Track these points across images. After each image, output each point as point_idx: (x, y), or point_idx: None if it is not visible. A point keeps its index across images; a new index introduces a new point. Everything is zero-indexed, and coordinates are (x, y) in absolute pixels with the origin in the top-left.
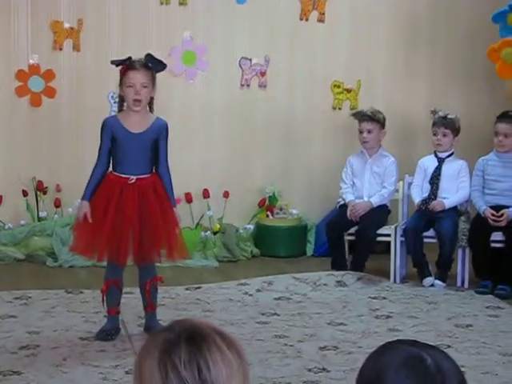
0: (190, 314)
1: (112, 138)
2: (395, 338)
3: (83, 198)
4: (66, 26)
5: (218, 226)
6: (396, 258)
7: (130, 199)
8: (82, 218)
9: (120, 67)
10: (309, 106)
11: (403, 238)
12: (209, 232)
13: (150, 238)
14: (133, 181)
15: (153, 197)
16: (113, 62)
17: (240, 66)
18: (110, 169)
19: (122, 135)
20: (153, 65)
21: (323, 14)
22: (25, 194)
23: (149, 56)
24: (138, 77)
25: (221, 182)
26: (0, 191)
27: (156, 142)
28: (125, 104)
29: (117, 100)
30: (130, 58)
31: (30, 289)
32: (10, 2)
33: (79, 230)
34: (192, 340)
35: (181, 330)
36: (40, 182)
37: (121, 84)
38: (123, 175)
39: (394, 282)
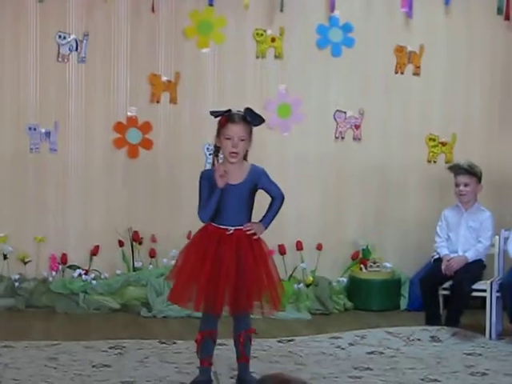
0: (283, 367)
1: (210, 190)
2: None
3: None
4: (164, 79)
5: (311, 278)
6: (492, 314)
7: (227, 250)
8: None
9: (218, 118)
10: (403, 159)
11: (499, 294)
12: (302, 284)
13: (246, 288)
14: (231, 232)
15: (250, 248)
16: (212, 113)
17: (335, 118)
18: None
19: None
20: (251, 119)
21: (418, 67)
22: (121, 244)
23: (248, 110)
24: (236, 130)
25: (314, 235)
26: (97, 241)
27: (254, 190)
28: (220, 155)
29: (212, 150)
30: (229, 111)
31: (124, 338)
32: (111, 55)
33: (176, 280)
34: None
35: (275, 382)
36: (136, 233)
37: (218, 135)
38: (221, 226)
39: (490, 338)
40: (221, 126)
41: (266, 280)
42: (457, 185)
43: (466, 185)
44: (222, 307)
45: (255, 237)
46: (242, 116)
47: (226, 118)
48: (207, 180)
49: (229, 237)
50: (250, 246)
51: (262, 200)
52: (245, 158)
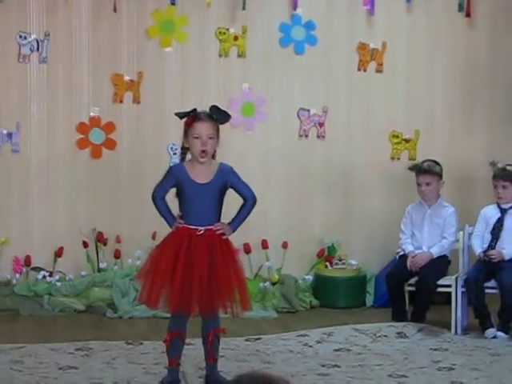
0: (250, 365)
1: (177, 187)
2: None
3: (172, 223)
4: (127, 78)
5: (277, 276)
6: (457, 309)
7: (198, 250)
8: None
9: (184, 119)
10: (367, 156)
11: (464, 289)
12: (268, 283)
13: (217, 289)
14: (201, 232)
15: (220, 247)
16: (177, 114)
17: (298, 116)
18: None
19: (188, 185)
20: (218, 116)
21: (381, 64)
22: (85, 245)
23: (214, 107)
24: (204, 128)
25: (279, 233)
26: (61, 243)
27: (224, 189)
28: (187, 155)
29: (177, 151)
30: (194, 110)
31: (90, 340)
32: (72, 55)
33: (147, 281)
34: None
35: (251, 380)
36: (100, 234)
37: (186, 135)
38: (191, 226)
39: (456, 333)
40: (188, 126)
41: (236, 280)
42: (419, 184)
43: (427, 184)
44: (194, 308)
45: (224, 237)
46: (208, 114)
47: (192, 117)
48: (173, 175)
49: (199, 237)
50: (220, 245)
51: (229, 201)
52: (213, 157)
